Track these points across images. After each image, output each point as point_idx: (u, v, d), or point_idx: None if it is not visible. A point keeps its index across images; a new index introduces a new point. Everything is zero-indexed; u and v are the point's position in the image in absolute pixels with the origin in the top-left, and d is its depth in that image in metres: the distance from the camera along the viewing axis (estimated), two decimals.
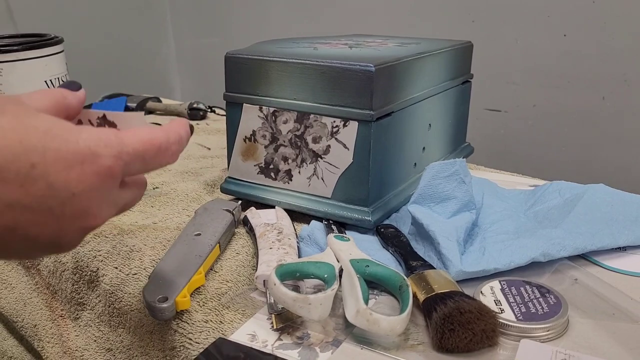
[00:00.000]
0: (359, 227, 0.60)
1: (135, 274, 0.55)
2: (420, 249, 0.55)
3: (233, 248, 0.59)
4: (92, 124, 0.40)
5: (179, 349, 0.48)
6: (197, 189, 0.72)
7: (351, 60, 0.57)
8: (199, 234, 0.56)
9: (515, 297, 0.47)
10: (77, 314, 0.60)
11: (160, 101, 1.17)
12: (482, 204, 0.61)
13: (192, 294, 0.50)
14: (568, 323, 0.45)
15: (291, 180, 0.63)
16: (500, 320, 0.43)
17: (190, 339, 0.47)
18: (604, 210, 0.58)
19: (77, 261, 0.60)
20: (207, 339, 0.46)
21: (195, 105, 1.09)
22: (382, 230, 0.59)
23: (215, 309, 0.49)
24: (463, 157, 0.60)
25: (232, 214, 0.61)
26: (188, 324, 0.48)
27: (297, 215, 0.63)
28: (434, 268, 0.50)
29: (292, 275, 0.47)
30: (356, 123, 0.57)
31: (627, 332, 0.44)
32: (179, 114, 1.11)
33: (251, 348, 0.43)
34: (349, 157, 0.59)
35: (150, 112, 1.14)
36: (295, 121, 0.60)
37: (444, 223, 0.55)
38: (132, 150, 0.34)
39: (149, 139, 0.35)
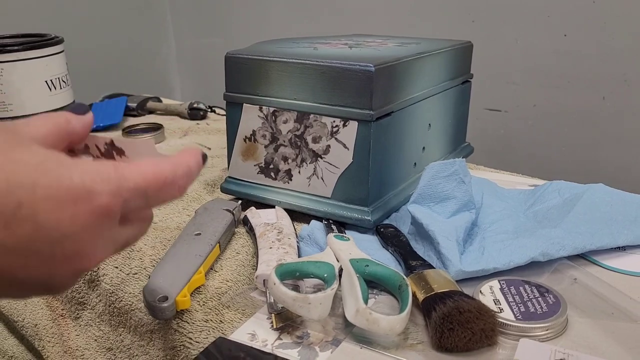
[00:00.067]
0: (359, 227, 0.61)
1: (136, 273, 0.56)
2: (419, 248, 0.56)
3: (233, 248, 0.59)
4: (99, 149, 0.38)
5: (179, 349, 0.48)
6: (198, 188, 0.72)
7: (351, 60, 0.57)
8: (199, 234, 0.56)
9: (515, 296, 0.47)
10: (78, 314, 0.60)
11: (160, 101, 1.17)
12: (481, 203, 0.61)
13: (192, 293, 0.50)
14: (567, 322, 0.45)
15: (291, 180, 0.63)
16: (500, 320, 0.43)
17: (191, 339, 0.47)
18: (604, 210, 0.58)
19: None
20: (207, 338, 0.47)
21: (195, 105, 1.09)
22: (381, 229, 0.59)
23: (216, 308, 0.49)
24: (463, 157, 0.60)
25: (232, 213, 0.61)
26: (188, 323, 0.48)
27: (297, 215, 0.63)
28: (434, 268, 0.50)
29: (291, 275, 0.47)
30: (356, 123, 0.57)
31: (626, 331, 0.44)
32: (179, 114, 1.11)
33: (251, 347, 0.43)
34: (348, 157, 0.59)
35: (150, 112, 1.14)
36: (295, 121, 0.61)
37: (443, 223, 0.55)
38: (132, 186, 0.31)
39: (153, 173, 0.32)
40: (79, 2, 1.42)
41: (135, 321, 0.54)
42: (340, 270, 0.48)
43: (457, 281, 0.48)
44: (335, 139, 0.59)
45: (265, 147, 0.63)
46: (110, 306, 0.56)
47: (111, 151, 0.37)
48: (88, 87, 1.12)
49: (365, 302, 0.43)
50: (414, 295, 0.46)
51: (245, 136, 0.64)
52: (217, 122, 1.07)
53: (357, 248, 0.53)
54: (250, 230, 0.60)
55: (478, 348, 0.42)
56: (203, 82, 1.69)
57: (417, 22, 1.20)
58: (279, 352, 0.43)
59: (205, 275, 0.52)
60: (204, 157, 0.37)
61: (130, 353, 0.54)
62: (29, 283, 0.30)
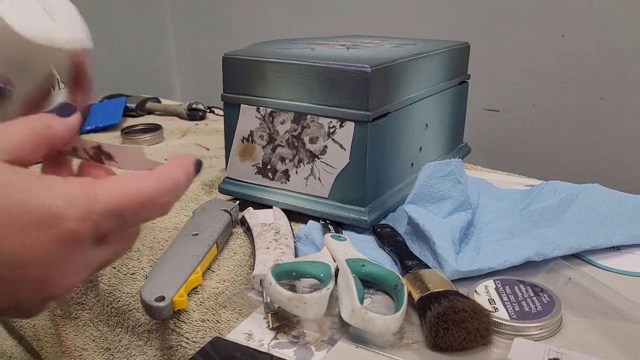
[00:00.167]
0: (356, 227, 0.61)
1: (134, 273, 0.56)
2: (416, 248, 0.56)
3: (230, 248, 0.59)
4: (87, 153, 0.35)
5: (176, 348, 0.49)
6: (196, 189, 0.73)
7: (347, 61, 0.57)
8: (197, 234, 0.57)
9: (509, 296, 0.47)
10: (76, 314, 0.61)
11: (159, 102, 1.17)
12: (477, 203, 0.61)
13: (189, 293, 0.50)
14: (561, 322, 0.45)
15: (288, 180, 0.63)
16: (494, 319, 0.43)
17: (188, 338, 0.48)
18: (599, 210, 0.58)
19: None
20: (204, 338, 0.47)
21: (194, 106, 1.10)
22: (378, 230, 0.60)
23: (212, 308, 0.49)
24: (459, 158, 0.60)
25: (230, 214, 0.61)
26: (185, 323, 0.49)
27: (295, 215, 0.63)
28: (430, 267, 0.51)
29: (288, 275, 0.48)
30: (352, 123, 0.58)
31: (620, 330, 0.44)
32: (178, 115, 1.11)
33: (247, 347, 0.43)
34: (345, 158, 0.59)
35: (149, 112, 1.14)
36: (292, 122, 0.61)
37: (439, 223, 0.55)
38: (104, 208, 0.28)
39: (131, 192, 0.29)
40: (79, 2, 1.42)
41: (133, 321, 0.54)
42: (337, 270, 0.49)
43: (452, 281, 0.49)
44: (332, 139, 0.59)
45: (263, 147, 0.63)
46: (108, 306, 0.56)
47: (100, 156, 0.35)
48: None
49: (361, 301, 0.43)
50: (409, 294, 0.47)
51: (243, 137, 0.64)
52: (215, 122, 1.08)
53: (354, 248, 0.53)
54: (248, 231, 0.61)
55: (472, 347, 0.42)
56: (203, 82, 1.69)
57: (417, 23, 1.20)
58: (275, 352, 0.43)
59: (203, 276, 0.53)
60: (198, 166, 0.33)
61: (128, 353, 0.55)
62: None
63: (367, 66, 0.56)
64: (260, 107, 0.62)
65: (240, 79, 0.63)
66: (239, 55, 0.63)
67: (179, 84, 1.75)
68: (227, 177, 0.67)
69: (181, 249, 0.54)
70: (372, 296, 0.50)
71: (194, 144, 0.94)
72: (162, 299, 0.47)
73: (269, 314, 0.46)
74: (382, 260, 0.54)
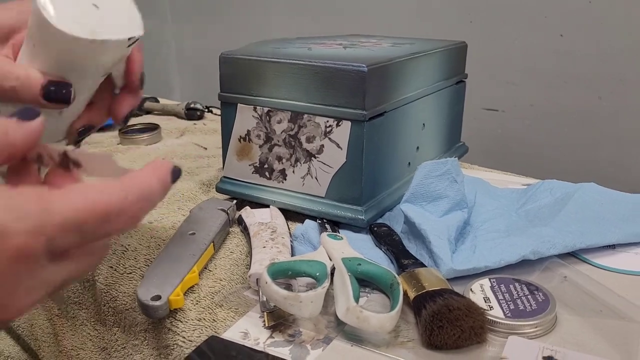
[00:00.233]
0: (353, 226, 0.61)
1: (130, 273, 0.56)
2: (412, 247, 0.56)
3: (227, 247, 0.59)
4: (53, 160, 0.33)
5: (172, 347, 0.49)
6: (193, 188, 0.73)
7: (344, 60, 0.58)
8: (194, 233, 0.57)
9: (505, 294, 0.47)
10: (73, 313, 0.61)
11: (157, 101, 1.18)
12: (474, 202, 0.61)
13: (185, 292, 0.50)
14: (556, 320, 0.45)
15: (285, 179, 0.63)
16: (489, 318, 0.44)
17: (184, 337, 0.48)
18: (594, 209, 0.58)
19: None
20: (200, 337, 0.47)
21: (192, 106, 1.10)
22: (375, 229, 0.60)
23: (209, 307, 0.49)
24: (457, 157, 0.60)
25: (227, 213, 0.61)
26: (181, 322, 0.49)
27: (292, 215, 0.63)
28: (426, 266, 0.51)
29: (284, 274, 0.48)
30: (349, 123, 0.58)
31: (614, 328, 0.44)
32: (176, 114, 1.11)
33: (243, 346, 0.43)
34: (342, 157, 0.59)
35: (147, 112, 1.14)
36: (289, 121, 0.61)
37: (435, 222, 0.55)
38: (60, 222, 0.26)
39: (92, 203, 0.27)
40: None
41: (129, 320, 0.54)
42: (333, 269, 0.49)
43: (448, 280, 0.49)
44: (329, 138, 0.59)
45: (260, 147, 0.64)
46: (104, 305, 0.57)
47: (67, 162, 0.33)
48: None
49: (357, 300, 0.43)
50: (405, 293, 0.47)
51: (240, 136, 0.64)
52: (213, 122, 1.08)
53: (350, 247, 0.53)
54: (245, 230, 0.61)
55: (467, 345, 0.42)
56: (202, 82, 1.69)
57: (417, 23, 1.20)
58: (271, 351, 0.43)
59: (199, 275, 0.53)
60: (175, 174, 0.31)
61: (125, 352, 0.55)
62: None
63: (363, 65, 0.56)
64: (257, 107, 0.62)
65: (237, 78, 0.63)
66: (236, 55, 0.63)
67: (178, 84, 1.75)
68: (224, 177, 0.68)
69: (178, 248, 0.54)
70: (368, 295, 0.50)
71: (192, 143, 0.94)
72: (158, 298, 0.47)
73: (265, 313, 0.46)
74: (379, 259, 0.54)
